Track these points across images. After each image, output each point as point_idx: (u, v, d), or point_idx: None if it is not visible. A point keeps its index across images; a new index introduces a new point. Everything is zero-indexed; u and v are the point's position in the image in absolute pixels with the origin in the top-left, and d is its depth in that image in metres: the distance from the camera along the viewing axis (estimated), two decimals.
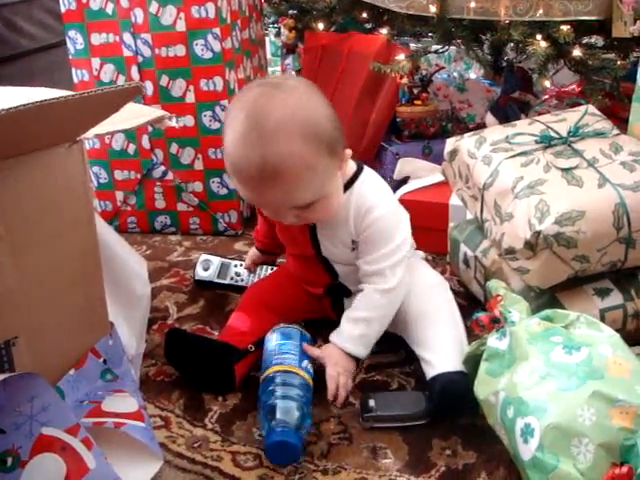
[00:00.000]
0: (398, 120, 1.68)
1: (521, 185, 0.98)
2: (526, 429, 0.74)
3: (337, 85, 1.68)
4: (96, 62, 1.46)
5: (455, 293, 1.04)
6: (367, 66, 1.61)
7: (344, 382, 0.95)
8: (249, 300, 1.10)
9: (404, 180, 1.50)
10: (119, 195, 1.55)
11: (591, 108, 1.13)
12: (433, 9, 1.52)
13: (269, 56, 2.29)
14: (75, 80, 1.50)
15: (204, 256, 1.30)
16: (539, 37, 1.44)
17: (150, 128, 1.45)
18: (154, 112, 1.03)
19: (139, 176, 1.52)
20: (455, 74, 1.95)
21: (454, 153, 1.13)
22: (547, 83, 1.57)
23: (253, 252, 1.25)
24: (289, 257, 1.14)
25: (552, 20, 1.43)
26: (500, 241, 1.00)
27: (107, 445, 0.77)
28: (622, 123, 1.15)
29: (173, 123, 1.03)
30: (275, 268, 1.24)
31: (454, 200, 1.29)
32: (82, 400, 0.84)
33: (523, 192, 0.97)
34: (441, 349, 0.94)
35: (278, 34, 2.10)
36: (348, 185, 0.98)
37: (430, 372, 0.93)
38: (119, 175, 1.53)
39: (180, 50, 1.41)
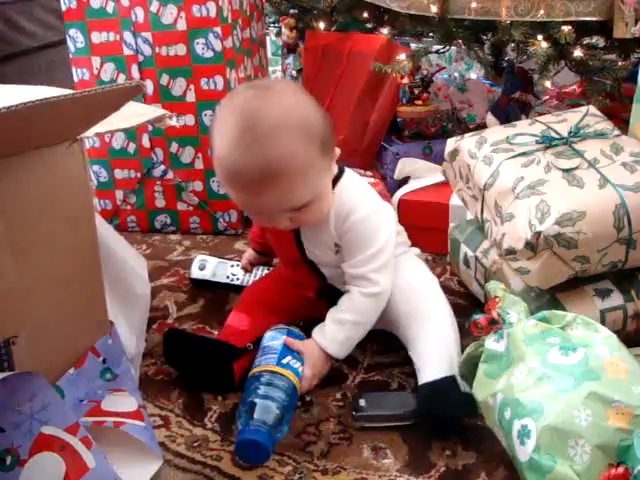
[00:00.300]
0: (399, 120, 1.68)
1: (522, 185, 0.98)
2: (523, 430, 0.74)
3: (338, 85, 1.68)
4: (96, 61, 1.46)
5: (455, 293, 1.04)
6: (368, 66, 1.61)
7: (314, 385, 0.96)
8: (248, 299, 1.10)
9: (404, 180, 1.50)
10: (119, 194, 1.55)
11: (592, 109, 1.13)
12: (434, 9, 1.52)
13: (270, 55, 2.29)
14: (75, 79, 1.50)
15: (200, 256, 1.30)
16: (540, 37, 1.43)
17: (150, 127, 1.45)
18: (154, 111, 1.02)
19: (139, 175, 1.52)
20: (456, 74, 1.95)
21: (455, 153, 1.13)
22: (548, 83, 1.57)
23: (249, 252, 1.26)
24: (280, 260, 1.15)
25: (553, 20, 1.43)
26: (500, 241, 1.00)
27: (107, 444, 0.77)
28: (623, 124, 1.15)
29: (173, 122, 1.03)
30: (271, 268, 1.24)
31: (454, 200, 1.29)
32: (82, 399, 0.84)
33: (524, 192, 0.97)
34: (428, 354, 0.94)
35: (279, 33, 2.10)
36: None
37: (419, 378, 0.93)
38: (119, 174, 1.53)
39: (181, 49, 1.41)
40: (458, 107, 1.81)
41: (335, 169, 0.99)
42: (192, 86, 1.43)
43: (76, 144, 0.82)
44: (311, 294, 1.08)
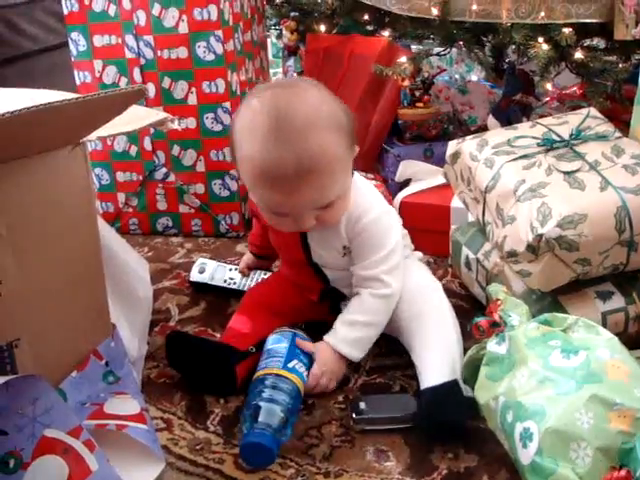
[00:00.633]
0: (400, 122, 1.68)
1: (523, 188, 0.98)
2: (525, 433, 0.74)
3: (339, 87, 1.68)
4: (98, 64, 1.46)
5: (457, 296, 1.04)
6: (369, 68, 1.61)
7: (324, 384, 0.96)
8: (250, 302, 1.10)
9: (406, 182, 1.50)
10: (121, 197, 1.55)
11: (593, 111, 1.13)
12: (435, 12, 1.52)
13: (271, 58, 2.29)
14: (77, 82, 1.50)
15: (200, 259, 1.31)
16: (541, 40, 1.43)
17: (152, 130, 1.45)
18: (156, 114, 1.03)
19: (141, 178, 1.52)
20: (457, 76, 1.95)
21: (456, 156, 1.13)
22: (549, 85, 1.57)
23: (248, 256, 1.25)
24: (282, 263, 1.14)
25: (554, 23, 1.43)
26: (502, 244, 1.00)
27: (109, 447, 0.77)
28: (624, 126, 1.15)
29: (175, 125, 1.04)
30: (269, 273, 1.24)
31: (456, 203, 1.29)
32: (84, 402, 0.84)
33: (525, 195, 0.97)
34: (430, 358, 0.93)
35: (280, 36, 2.10)
36: None
37: (420, 382, 0.93)
38: (121, 177, 1.53)
39: (182, 52, 1.41)
40: (459, 109, 1.81)
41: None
42: (194, 89, 1.43)
43: (79, 148, 0.82)
44: (314, 297, 1.08)
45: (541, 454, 0.71)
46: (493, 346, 0.84)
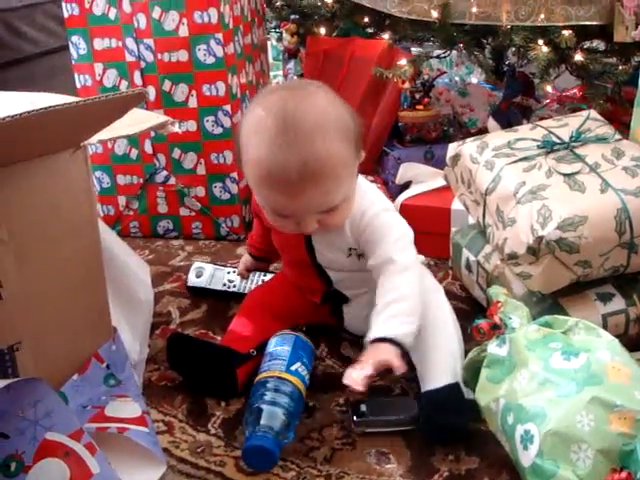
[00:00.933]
0: (400, 125, 1.68)
1: (523, 190, 0.98)
2: (526, 436, 0.74)
3: (339, 90, 1.67)
4: (99, 67, 1.47)
5: (457, 298, 1.04)
6: (369, 71, 1.61)
7: (400, 363, 0.86)
8: (251, 305, 1.10)
9: (406, 185, 1.50)
10: (121, 200, 1.55)
11: (593, 113, 1.13)
12: (435, 14, 1.52)
13: (271, 61, 2.30)
14: (78, 85, 1.50)
15: (197, 264, 1.30)
16: (541, 42, 1.44)
17: (152, 133, 1.45)
18: (157, 117, 1.03)
19: (141, 181, 1.52)
20: (457, 79, 1.95)
21: (456, 158, 1.13)
22: (549, 88, 1.57)
23: (246, 258, 1.24)
24: (284, 264, 1.14)
25: (554, 25, 1.43)
26: (502, 246, 1.00)
27: (110, 450, 0.77)
28: (624, 128, 1.15)
29: (176, 128, 1.04)
30: (268, 275, 1.24)
31: (456, 205, 1.29)
32: (85, 405, 0.84)
33: (525, 197, 0.97)
34: (431, 361, 0.93)
35: (280, 39, 2.10)
36: None
37: (422, 385, 0.92)
38: (122, 180, 1.53)
39: (183, 55, 1.41)
40: (459, 111, 1.81)
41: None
42: (194, 92, 1.43)
43: (79, 151, 0.83)
44: (316, 299, 1.08)
45: (542, 456, 0.71)
46: (494, 348, 0.84)
